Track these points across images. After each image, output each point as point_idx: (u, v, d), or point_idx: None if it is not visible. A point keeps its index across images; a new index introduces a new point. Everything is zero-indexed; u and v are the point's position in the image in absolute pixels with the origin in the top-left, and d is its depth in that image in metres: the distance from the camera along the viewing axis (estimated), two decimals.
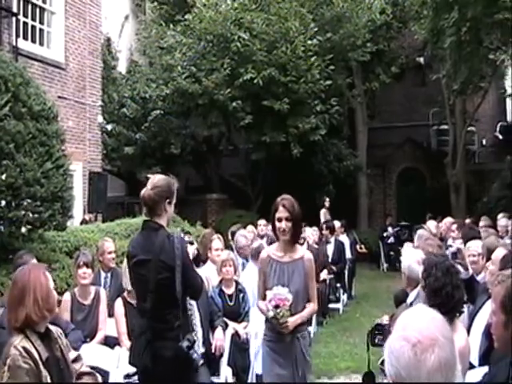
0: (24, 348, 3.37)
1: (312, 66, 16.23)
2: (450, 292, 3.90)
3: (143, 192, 4.33)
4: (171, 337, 4.17)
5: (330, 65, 16.70)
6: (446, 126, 21.84)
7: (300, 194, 19.40)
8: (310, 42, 16.14)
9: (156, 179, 4.38)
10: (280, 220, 4.81)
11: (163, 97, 17.50)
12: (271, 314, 4.65)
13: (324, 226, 13.11)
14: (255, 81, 15.65)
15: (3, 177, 7.27)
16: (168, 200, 4.36)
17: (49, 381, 3.41)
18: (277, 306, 4.64)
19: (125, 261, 5.95)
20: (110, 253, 7.31)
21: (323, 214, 16.39)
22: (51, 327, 3.67)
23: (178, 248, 4.19)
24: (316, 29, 16.47)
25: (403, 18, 20.31)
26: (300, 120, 16.46)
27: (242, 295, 7.03)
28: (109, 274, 7.31)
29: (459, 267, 5.95)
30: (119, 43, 20.06)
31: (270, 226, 11.15)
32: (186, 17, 17.02)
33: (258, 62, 15.91)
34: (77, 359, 3.91)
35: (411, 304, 4.83)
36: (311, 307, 4.92)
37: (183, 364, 4.19)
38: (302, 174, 18.41)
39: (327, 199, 17.02)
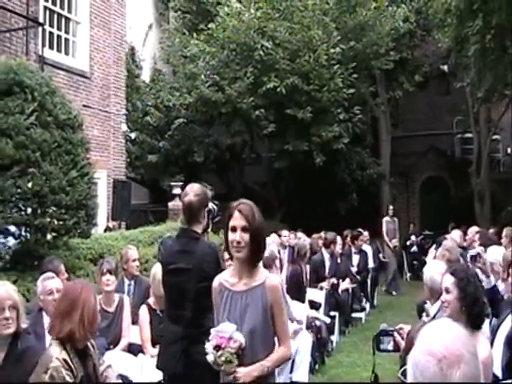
0: (65, 361, 3.40)
1: (335, 74, 16.23)
2: (483, 302, 3.87)
3: (187, 199, 4.38)
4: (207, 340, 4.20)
5: (353, 73, 16.68)
6: (470, 135, 21.69)
7: (323, 202, 19.31)
8: (332, 50, 16.14)
9: (195, 187, 4.45)
10: (234, 230, 3.48)
11: (186, 105, 17.63)
12: (211, 357, 3.47)
13: (349, 234, 13.07)
14: (278, 89, 15.68)
15: (29, 185, 7.36)
16: (206, 208, 4.41)
17: None
18: (217, 347, 3.45)
19: (154, 268, 6.00)
20: (134, 260, 7.34)
21: (385, 223, 16.11)
22: (88, 343, 3.68)
23: (219, 257, 4.26)
24: (339, 37, 16.47)
25: (427, 25, 20.20)
26: (323, 128, 16.45)
27: None
28: (132, 282, 7.34)
29: (478, 272, 5.90)
30: (143, 52, 20.24)
31: (303, 238, 11.24)
32: (210, 26, 17.12)
33: (281, 71, 15.95)
34: (106, 369, 3.91)
35: (434, 316, 4.75)
36: (280, 352, 3.56)
37: None
38: (325, 182, 18.38)
39: (391, 207, 16.57)
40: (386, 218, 16.18)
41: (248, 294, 3.50)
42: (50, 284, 5.13)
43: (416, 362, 1.86)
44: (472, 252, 7.31)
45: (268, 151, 18.68)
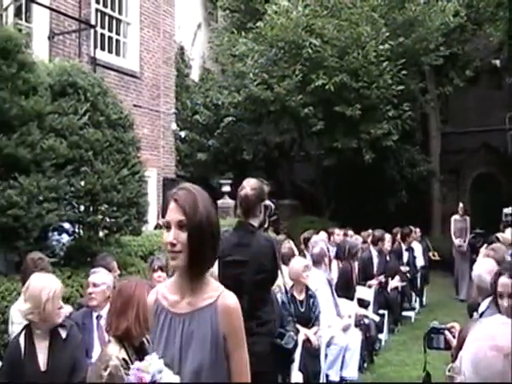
0: (124, 360, 3.45)
1: (384, 71, 16.08)
2: None
3: (243, 193, 4.45)
4: (264, 332, 4.26)
5: (402, 69, 16.49)
6: None
7: (372, 199, 19.14)
8: (381, 46, 15.98)
9: (252, 182, 4.51)
10: (168, 226, 2.51)
11: (235, 103, 17.71)
12: None
13: (399, 232, 12.95)
14: (327, 87, 15.61)
15: (82, 183, 7.55)
16: (263, 202, 4.46)
17: None
18: None
19: None
20: None
21: (454, 222, 15.72)
22: (144, 338, 3.71)
23: (276, 250, 4.30)
24: (388, 33, 16.28)
25: (478, 19, 19.77)
26: (372, 126, 16.32)
27: (312, 300, 7.03)
28: None
29: None
30: (192, 51, 20.43)
31: (355, 236, 11.20)
32: (258, 24, 17.13)
33: (329, 68, 15.87)
34: None
35: (482, 314, 4.70)
36: None
37: (277, 357, 4.28)
38: (374, 179, 18.24)
39: (461, 205, 16.12)
40: (456, 217, 15.65)
41: (193, 318, 2.48)
42: (90, 278, 5.30)
43: (479, 358, 1.86)
44: None
45: (317, 149, 18.61)
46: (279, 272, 4.76)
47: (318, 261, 7.87)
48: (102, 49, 13.02)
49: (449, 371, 2.32)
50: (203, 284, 2.55)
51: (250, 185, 4.44)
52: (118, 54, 13.66)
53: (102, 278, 5.29)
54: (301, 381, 6.30)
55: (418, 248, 13.47)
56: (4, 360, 4.22)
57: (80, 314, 5.32)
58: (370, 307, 9.35)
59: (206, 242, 2.48)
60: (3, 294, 6.24)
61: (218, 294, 2.51)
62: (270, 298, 4.42)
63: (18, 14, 10.87)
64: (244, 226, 4.46)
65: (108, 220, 8.09)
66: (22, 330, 4.19)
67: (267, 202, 4.53)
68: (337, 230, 12.13)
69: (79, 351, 4.32)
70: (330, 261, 8.97)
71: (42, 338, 4.11)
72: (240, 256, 4.34)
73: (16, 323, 4.94)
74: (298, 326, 6.65)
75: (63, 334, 4.16)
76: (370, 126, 16.31)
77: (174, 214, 2.50)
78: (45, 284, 4.13)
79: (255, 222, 4.44)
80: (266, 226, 4.62)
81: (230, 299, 2.52)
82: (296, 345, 4.53)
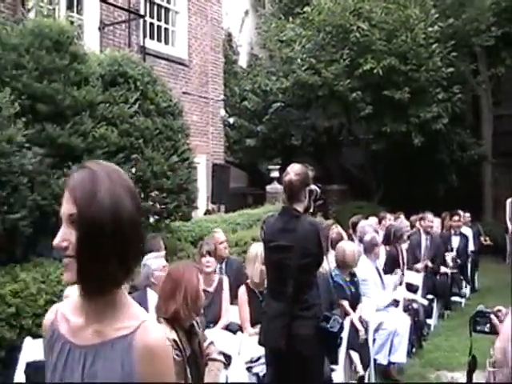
0: (174, 341, 3.56)
1: (433, 53, 15.87)
2: None
3: (287, 178, 4.49)
4: (309, 316, 4.35)
5: (452, 51, 16.24)
6: None
7: (421, 183, 18.93)
8: (430, 28, 15.78)
9: (296, 167, 4.55)
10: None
11: (283, 89, 17.75)
12: None
13: (448, 216, 12.81)
14: (375, 71, 15.51)
15: (133, 170, 7.74)
16: (307, 187, 4.51)
17: (189, 375, 3.59)
18: None
19: (252, 249, 6.17)
20: (221, 243, 7.52)
21: (510, 205, 15.39)
22: (193, 321, 3.84)
23: (321, 235, 4.36)
24: (437, 15, 16.06)
25: None
26: (421, 109, 16.15)
27: (355, 279, 7.06)
28: (223, 265, 7.56)
29: None
30: (240, 38, 20.49)
31: (400, 219, 11.12)
32: (305, 9, 17.09)
33: (377, 52, 15.75)
34: (209, 345, 4.10)
35: None
36: None
37: (322, 340, 4.36)
38: (424, 163, 18.04)
39: None
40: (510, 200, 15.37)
41: (98, 355, 1.76)
42: (164, 261, 5.44)
43: None
44: None
45: (365, 133, 18.49)
46: (324, 256, 4.81)
47: (368, 249, 7.86)
48: (152, 38, 13.21)
49: (491, 366, 2.28)
50: (115, 307, 1.78)
51: (294, 170, 4.49)
52: (166, 42, 13.84)
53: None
54: (357, 360, 6.35)
55: (468, 233, 13.30)
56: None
57: (136, 296, 5.43)
58: (419, 292, 9.31)
59: (107, 245, 1.67)
60: (59, 279, 6.46)
61: (137, 324, 1.75)
62: (315, 282, 4.48)
63: (69, 6, 11.12)
64: (289, 211, 4.51)
65: (158, 206, 8.29)
66: None
67: (312, 187, 4.58)
68: (388, 215, 12.07)
69: None
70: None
71: None
72: (285, 241, 4.40)
73: None
74: (349, 309, 6.71)
75: None
76: (419, 109, 16.14)
77: (64, 205, 1.76)
78: None
79: (300, 207, 4.48)
80: (311, 210, 4.65)
81: (154, 333, 1.76)
82: (342, 328, 4.58)
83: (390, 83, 15.98)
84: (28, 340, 4.75)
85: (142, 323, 1.76)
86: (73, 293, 5.01)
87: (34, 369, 4.83)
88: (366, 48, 15.98)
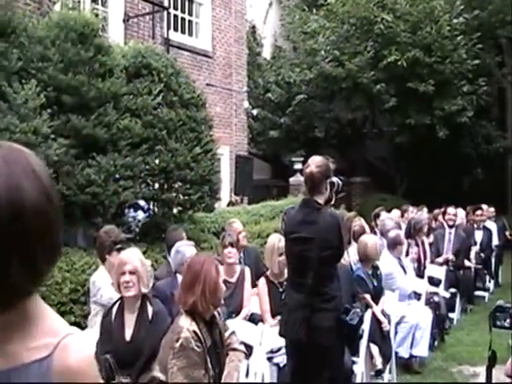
0: (195, 332, 3.60)
1: (458, 45, 15.76)
2: None
3: (308, 170, 4.47)
4: (330, 308, 4.36)
5: (477, 43, 16.11)
6: None
7: (446, 177, 18.74)
8: (455, 20, 15.69)
9: (317, 159, 4.53)
10: None
11: (307, 81, 17.73)
12: None
13: (471, 210, 12.69)
14: (399, 63, 15.44)
15: (157, 161, 7.82)
16: (328, 179, 4.51)
17: (209, 366, 3.65)
18: None
19: (270, 241, 6.19)
20: (239, 233, 7.58)
21: None
22: (215, 312, 3.87)
23: (342, 227, 4.38)
24: (462, 6, 15.95)
25: None
26: (446, 102, 16.04)
27: (378, 272, 7.04)
28: (242, 254, 7.61)
29: None
30: (264, 30, 20.49)
31: (420, 212, 11.06)
32: (329, 1, 17.04)
33: (401, 44, 15.68)
34: (230, 336, 4.13)
35: None
36: None
37: (342, 333, 4.38)
38: (448, 156, 17.90)
39: None
40: None
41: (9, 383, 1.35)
42: (195, 250, 5.50)
43: None
44: None
45: (389, 126, 18.39)
46: (345, 249, 4.81)
47: (392, 245, 7.79)
48: (175, 30, 13.27)
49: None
50: (26, 322, 1.40)
51: (314, 162, 4.48)
52: (190, 34, 13.88)
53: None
54: (376, 353, 6.34)
55: (492, 227, 13.16)
56: (100, 323, 4.50)
57: (166, 283, 5.50)
58: (441, 286, 9.26)
59: (3, 242, 1.30)
60: (83, 268, 6.57)
61: (55, 342, 1.37)
62: (335, 274, 4.49)
63: None
64: (309, 203, 4.50)
65: (181, 197, 8.35)
66: (116, 301, 4.42)
67: (333, 179, 4.56)
68: (411, 208, 12.01)
69: (162, 331, 4.44)
70: None
71: (130, 311, 4.31)
72: (306, 233, 4.40)
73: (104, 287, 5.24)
74: (371, 302, 6.68)
75: (150, 312, 4.33)
76: (443, 102, 16.04)
77: None
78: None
79: (321, 200, 4.47)
80: (332, 203, 4.65)
81: (76, 351, 1.37)
82: (361, 321, 4.57)
83: (414, 75, 15.89)
84: None
85: (61, 340, 1.37)
86: (99, 279, 5.12)
87: None
88: (390, 40, 15.91)
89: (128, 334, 4.24)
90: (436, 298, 8.50)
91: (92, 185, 6.90)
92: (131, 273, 4.24)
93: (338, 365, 4.54)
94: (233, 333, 4.13)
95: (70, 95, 6.92)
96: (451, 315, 9.49)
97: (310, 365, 4.43)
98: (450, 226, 10.54)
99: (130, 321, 4.28)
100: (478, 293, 11.40)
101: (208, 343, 3.68)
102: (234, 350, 4.03)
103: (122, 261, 4.33)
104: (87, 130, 6.95)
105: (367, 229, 8.55)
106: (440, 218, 11.12)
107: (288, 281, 4.87)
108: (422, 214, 10.64)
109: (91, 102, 7.10)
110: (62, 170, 6.65)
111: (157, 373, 3.67)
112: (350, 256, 6.73)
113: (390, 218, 9.31)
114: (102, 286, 5.25)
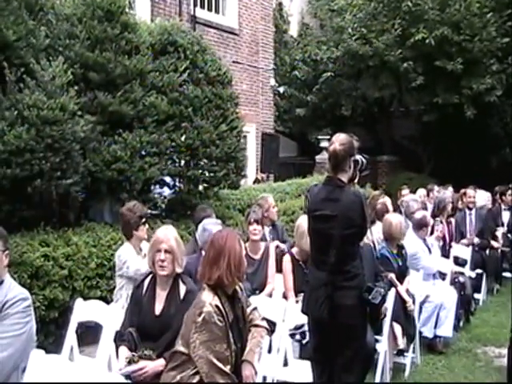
0: (217, 306, 3.63)
1: (488, 22, 15.45)
2: None
3: (331, 148, 4.43)
4: (352, 286, 4.35)
5: (507, 21, 15.77)
6: None
7: (473, 156, 18.50)
8: None
9: (341, 137, 4.47)
10: None
11: (334, 59, 17.60)
12: None
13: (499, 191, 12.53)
14: (427, 41, 15.22)
15: (183, 138, 7.86)
16: (352, 157, 4.48)
17: (231, 340, 3.67)
18: None
19: (299, 219, 6.20)
20: (274, 207, 7.68)
21: None
22: (237, 286, 3.89)
23: (365, 205, 4.36)
24: None
25: None
26: (474, 80, 15.77)
27: (403, 251, 7.00)
28: (271, 227, 7.65)
29: None
30: (290, 7, 20.34)
31: (443, 190, 10.96)
32: None
33: (429, 21, 15.45)
34: (252, 311, 4.16)
35: None
36: None
37: (365, 311, 4.39)
38: (476, 136, 17.64)
39: None
40: None
41: None
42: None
43: None
44: None
45: (416, 104, 18.19)
46: (368, 227, 4.79)
47: (417, 227, 7.73)
48: (202, 7, 13.23)
49: None
50: None
51: (338, 140, 4.44)
52: (217, 11, 13.84)
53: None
54: (399, 333, 6.34)
55: None
56: (131, 294, 4.54)
57: (192, 260, 5.44)
58: (467, 266, 9.18)
59: None
60: (109, 243, 6.65)
61: None
62: (358, 252, 4.48)
63: None
64: (333, 181, 4.47)
65: (207, 174, 8.41)
66: (148, 274, 4.42)
67: (357, 157, 4.53)
68: (436, 187, 11.91)
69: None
70: None
71: (162, 287, 4.32)
72: (329, 211, 4.37)
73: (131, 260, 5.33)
74: (396, 281, 6.66)
75: (182, 290, 4.31)
76: (472, 80, 15.77)
77: None
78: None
79: (344, 177, 4.44)
80: (356, 181, 4.62)
81: None
82: (383, 300, 4.55)
83: (442, 53, 15.66)
84: (79, 301, 4.89)
85: None
86: (125, 252, 5.15)
87: (84, 329, 5.02)
88: (418, 17, 15.69)
89: (158, 308, 4.26)
90: (461, 279, 8.45)
91: (118, 161, 6.95)
92: (167, 251, 4.24)
93: (361, 343, 4.54)
94: (255, 308, 4.16)
95: (96, 72, 6.96)
96: (477, 296, 9.42)
97: (332, 342, 4.44)
98: (470, 208, 10.46)
99: (160, 296, 4.29)
100: (505, 274, 11.29)
101: (230, 318, 3.71)
102: (256, 326, 4.06)
103: (159, 239, 4.33)
104: (113, 106, 6.99)
105: (390, 207, 8.48)
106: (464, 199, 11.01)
107: (311, 258, 4.85)
108: (444, 193, 10.53)
109: (117, 79, 7.13)
110: (88, 147, 6.71)
111: (179, 347, 3.71)
112: (374, 235, 6.74)
113: (414, 200, 9.21)
114: (128, 258, 5.31)
